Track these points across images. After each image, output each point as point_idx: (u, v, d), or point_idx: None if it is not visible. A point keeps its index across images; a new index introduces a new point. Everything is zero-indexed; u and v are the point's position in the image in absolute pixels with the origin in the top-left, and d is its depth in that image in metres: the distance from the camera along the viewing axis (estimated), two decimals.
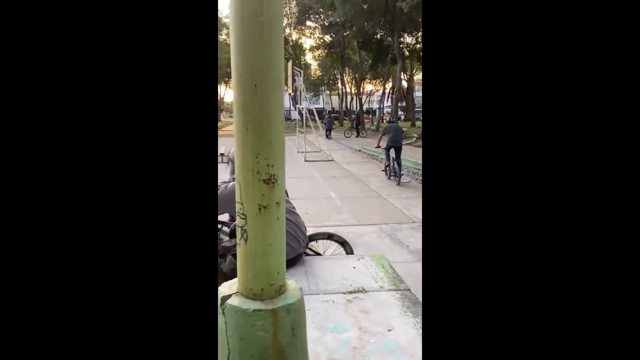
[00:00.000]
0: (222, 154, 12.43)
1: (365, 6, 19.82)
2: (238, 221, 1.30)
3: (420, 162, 8.83)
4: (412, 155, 10.76)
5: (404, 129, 11.37)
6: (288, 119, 47.84)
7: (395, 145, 9.44)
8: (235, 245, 2.63)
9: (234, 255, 2.55)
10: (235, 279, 1.41)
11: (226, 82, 47.10)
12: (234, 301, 1.28)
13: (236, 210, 1.30)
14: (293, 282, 1.40)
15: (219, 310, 1.31)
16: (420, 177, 9.24)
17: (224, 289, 1.36)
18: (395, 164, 9.50)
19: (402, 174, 9.60)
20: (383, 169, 10.43)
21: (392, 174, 9.73)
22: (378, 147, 10.31)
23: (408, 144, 14.92)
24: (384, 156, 10.04)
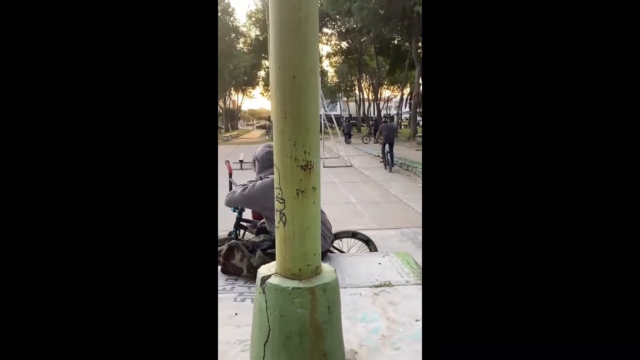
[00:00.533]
0: (241, 161, 12.59)
1: (382, 12, 19.91)
2: (277, 205, 1.38)
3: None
4: None
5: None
6: None
7: (389, 141, 12.06)
8: (264, 241, 2.72)
9: (263, 251, 2.63)
10: (273, 263, 1.49)
11: (243, 91, 47.65)
12: (273, 280, 1.36)
13: (274, 196, 1.38)
14: (327, 265, 1.48)
15: (259, 290, 1.39)
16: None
17: (263, 270, 1.45)
18: (389, 155, 12.05)
19: (395, 164, 12.35)
20: (381, 160, 13.05)
21: (387, 163, 12.27)
22: (377, 142, 12.80)
23: None
24: (405, 162, 12.16)
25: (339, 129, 20.39)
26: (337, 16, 25.82)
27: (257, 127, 61.61)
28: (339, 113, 46.84)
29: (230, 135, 33.80)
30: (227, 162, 3.63)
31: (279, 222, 1.38)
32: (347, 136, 23.79)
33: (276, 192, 1.37)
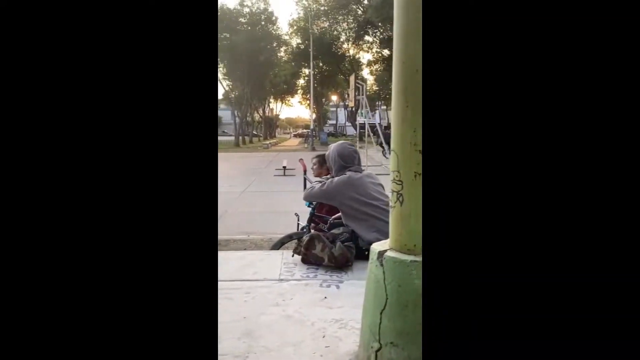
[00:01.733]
0: (284, 167, 12.90)
1: None
2: (393, 187, 1.52)
3: None
4: None
5: None
6: (343, 134, 48.20)
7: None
8: (342, 233, 2.88)
9: (342, 242, 2.79)
10: (384, 241, 1.63)
11: (282, 99, 48.38)
12: (391, 254, 1.51)
13: (391, 178, 1.53)
14: None
15: (376, 263, 1.54)
16: None
17: (377, 247, 1.59)
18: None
19: None
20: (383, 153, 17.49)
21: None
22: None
23: None
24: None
25: (375, 139, 18.47)
26: (379, 23, 25.98)
27: (295, 136, 62.41)
28: (376, 121, 46.52)
29: (269, 143, 34.47)
30: (301, 160, 3.82)
31: (395, 202, 1.52)
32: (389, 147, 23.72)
33: (393, 174, 1.52)
